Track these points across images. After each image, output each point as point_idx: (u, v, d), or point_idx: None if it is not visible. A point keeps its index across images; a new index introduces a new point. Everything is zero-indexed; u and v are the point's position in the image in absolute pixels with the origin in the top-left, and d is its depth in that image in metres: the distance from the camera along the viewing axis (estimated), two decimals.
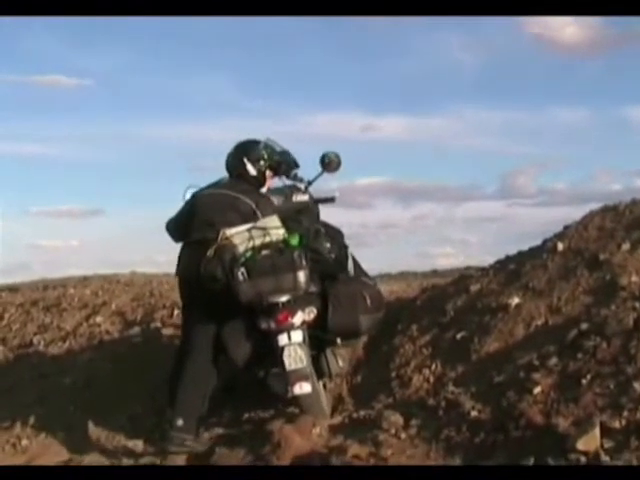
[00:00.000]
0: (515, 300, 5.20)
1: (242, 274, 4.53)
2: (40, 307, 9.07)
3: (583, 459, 3.43)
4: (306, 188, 5.24)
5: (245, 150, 5.19)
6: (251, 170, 5.10)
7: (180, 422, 4.69)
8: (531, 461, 3.51)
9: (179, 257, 5.09)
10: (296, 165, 5.28)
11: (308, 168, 5.38)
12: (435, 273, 15.51)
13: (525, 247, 6.34)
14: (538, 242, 6.21)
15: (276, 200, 5.00)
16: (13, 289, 11.83)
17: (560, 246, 5.65)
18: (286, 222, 4.86)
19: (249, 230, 4.76)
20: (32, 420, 5.87)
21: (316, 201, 5.21)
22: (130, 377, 6.44)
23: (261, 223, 4.79)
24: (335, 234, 5.09)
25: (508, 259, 6.21)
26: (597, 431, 3.51)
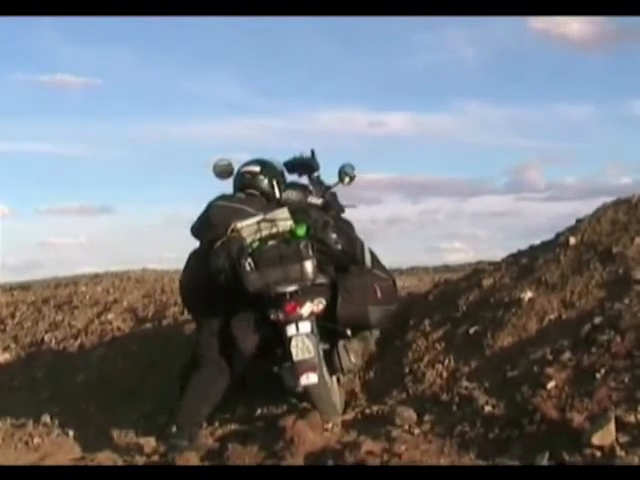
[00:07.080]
0: (528, 294, 5.16)
1: (249, 264, 4.54)
2: (51, 305, 9.09)
3: (598, 454, 3.41)
4: (323, 193, 5.35)
5: (274, 174, 5.30)
6: (277, 193, 5.23)
7: (174, 429, 4.75)
8: (546, 456, 3.49)
9: (187, 262, 5.24)
10: (317, 167, 5.41)
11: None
12: (447, 268, 15.48)
13: (534, 242, 6.30)
14: (548, 237, 6.16)
15: (294, 194, 5.14)
16: (24, 287, 11.87)
17: (573, 240, 5.60)
18: (295, 214, 4.88)
19: (258, 222, 4.80)
20: (44, 418, 5.88)
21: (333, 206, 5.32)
22: (142, 375, 6.44)
23: (271, 215, 4.83)
24: (344, 226, 5.09)
25: (520, 253, 6.16)
26: (612, 426, 3.50)
